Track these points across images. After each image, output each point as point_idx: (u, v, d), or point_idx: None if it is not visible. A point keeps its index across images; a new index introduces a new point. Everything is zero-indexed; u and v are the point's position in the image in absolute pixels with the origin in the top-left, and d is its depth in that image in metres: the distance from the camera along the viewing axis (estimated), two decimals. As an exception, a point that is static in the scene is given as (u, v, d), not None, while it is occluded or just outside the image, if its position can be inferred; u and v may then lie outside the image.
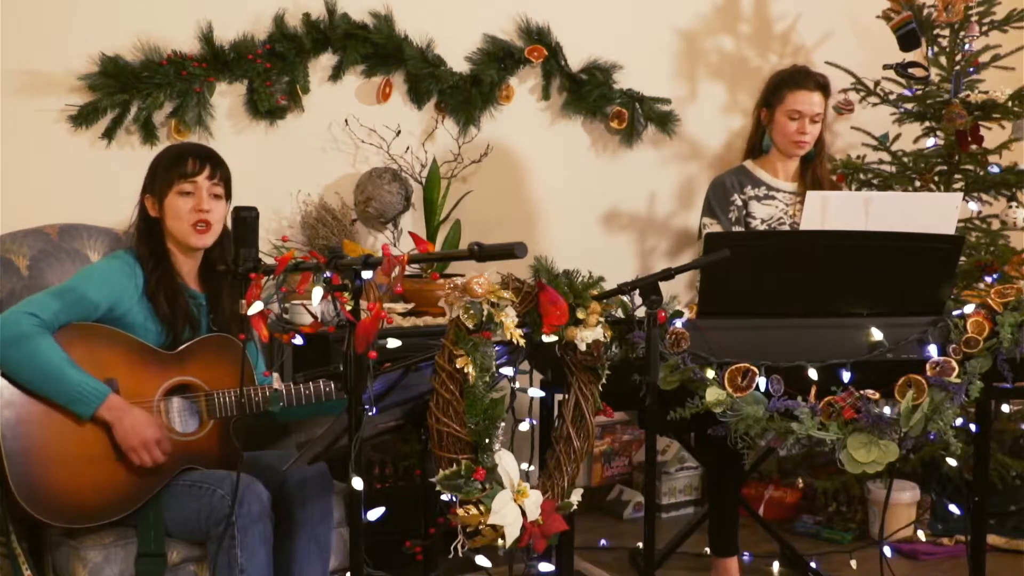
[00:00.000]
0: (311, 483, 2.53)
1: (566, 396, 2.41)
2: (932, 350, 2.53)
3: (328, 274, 1.90)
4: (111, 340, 2.43)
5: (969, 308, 2.59)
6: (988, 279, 3.59)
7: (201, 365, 2.51)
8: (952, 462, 2.85)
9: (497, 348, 2.19)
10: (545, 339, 2.29)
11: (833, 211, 2.88)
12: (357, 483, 1.88)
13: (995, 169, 3.78)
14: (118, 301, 2.46)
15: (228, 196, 2.61)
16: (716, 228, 3.30)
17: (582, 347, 2.33)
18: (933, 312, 2.60)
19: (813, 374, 2.48)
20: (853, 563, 3.49)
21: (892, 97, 3.95)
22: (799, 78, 3.33)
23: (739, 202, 3.32)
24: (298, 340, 2.18)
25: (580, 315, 2.31)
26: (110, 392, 2.36)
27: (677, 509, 4.14)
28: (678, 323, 2.47)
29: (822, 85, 3.33)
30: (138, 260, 2.54)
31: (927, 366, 2.50)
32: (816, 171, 3.37)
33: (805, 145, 3.32)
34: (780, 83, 3.35)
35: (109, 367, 2.41)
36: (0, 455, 2.27)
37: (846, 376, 2.49)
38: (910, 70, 3.84)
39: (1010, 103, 3.76)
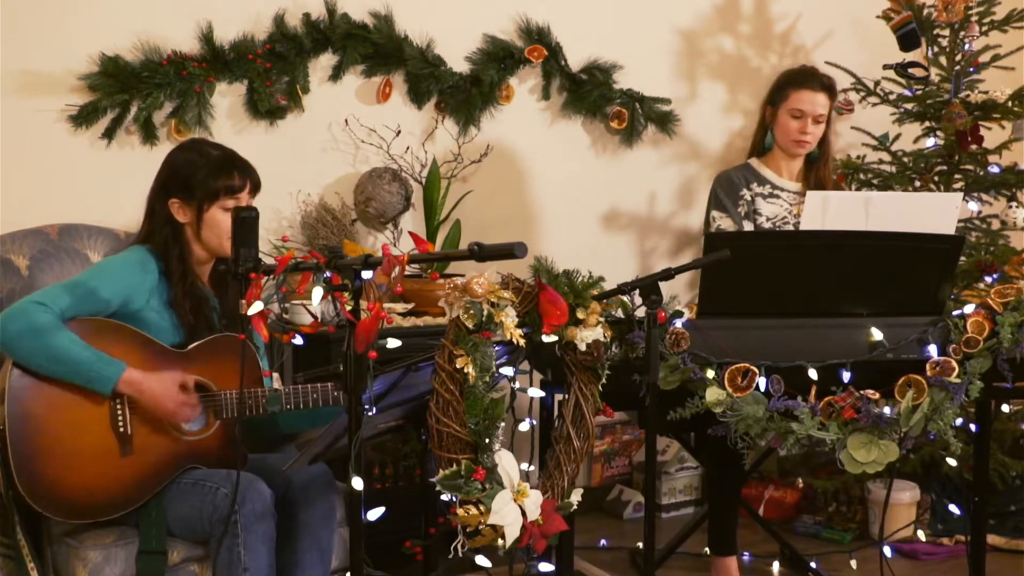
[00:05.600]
0: (315, 485, 2.52)
1: (566, 396, 2.41)
2: (932, 350, 2.53)
3: (328, 274, 1.89)
4: (122, 336, 2.42)
5: (969, 308, 2.59)
6: (988, 279, 3.58)
7: (210, 365, 2.50)
8: (952, 462, 2.86)
9: (497, 348, 2.19)
10: (545, 339, 2.29)
11: (833, 211, 2.88)
12: (357, 483, 1.88)
13: (995, 169, 3.77)
14: (131, 297, 2.45)
15: None
16: (727, 221, 3.28)
17: (582, 347, 2.32)
18: (933, 312, 2.60)
19: (813, 374, 2.48)
20: (853, 563, 3.49)
21: (892, 97, 3.94)
22: (804, 77, 3.33)
23: (748, 197, 3.32)
24: (298, 340, 2.19)
25: (580, 315, 2.31)
26: (126, 366, 2.35)
27: (677, 509, 4.14)
28: (678, 323, 2.47)
29: (827, 86, 3.33)
30: (157, 258, 2.51)
31: (927, 366, 2.50)
32: (819, 172, 3.37)
33: (806, 145, 3.31)
34: (786, 81, 3.35)
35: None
36: (6, 451, 2.28)
37: (846, 376, 2.49)
38: (910, 70, 3.84)
39: (1010, 103, 3.75)
